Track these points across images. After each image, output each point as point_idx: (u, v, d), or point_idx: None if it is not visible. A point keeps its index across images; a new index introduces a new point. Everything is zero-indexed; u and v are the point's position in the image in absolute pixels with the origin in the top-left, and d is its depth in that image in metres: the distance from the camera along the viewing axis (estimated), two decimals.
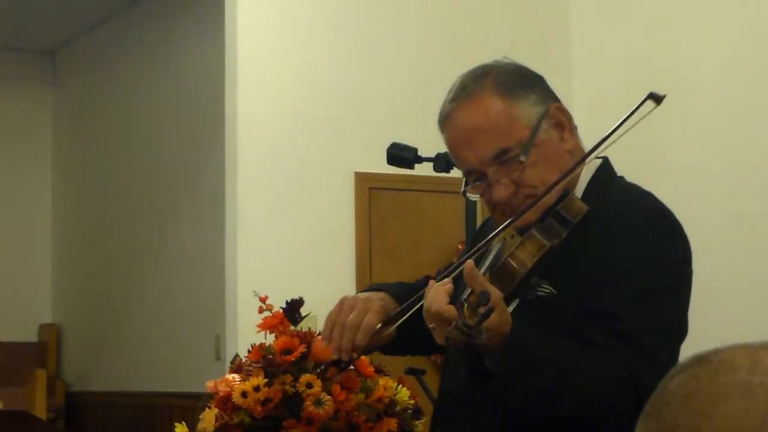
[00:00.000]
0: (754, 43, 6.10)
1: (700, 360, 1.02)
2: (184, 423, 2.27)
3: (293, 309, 2.36)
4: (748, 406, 0.97)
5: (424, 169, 3.68)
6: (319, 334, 2.30)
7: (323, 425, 2.18)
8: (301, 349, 2.24)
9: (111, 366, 8.64)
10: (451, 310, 2.01)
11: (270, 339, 2.31)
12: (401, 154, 3.61)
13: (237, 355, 2.34)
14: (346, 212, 6.51)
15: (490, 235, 2.23)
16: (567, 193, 2.23)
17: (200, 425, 2.25)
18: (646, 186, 2.30)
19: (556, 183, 2.19)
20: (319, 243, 6.43)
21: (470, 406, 2.24)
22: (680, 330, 2.21)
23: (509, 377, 2.07)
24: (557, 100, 2.30)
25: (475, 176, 2.26)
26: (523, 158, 2.20)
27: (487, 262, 2.28)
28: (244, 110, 6.39)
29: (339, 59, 6.58)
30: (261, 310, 2.34)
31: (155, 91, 8.21)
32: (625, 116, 2.15)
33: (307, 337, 2.28)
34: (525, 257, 2.15)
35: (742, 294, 5.96)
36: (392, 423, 2.25)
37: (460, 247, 5.82)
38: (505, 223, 2.20)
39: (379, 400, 2.25)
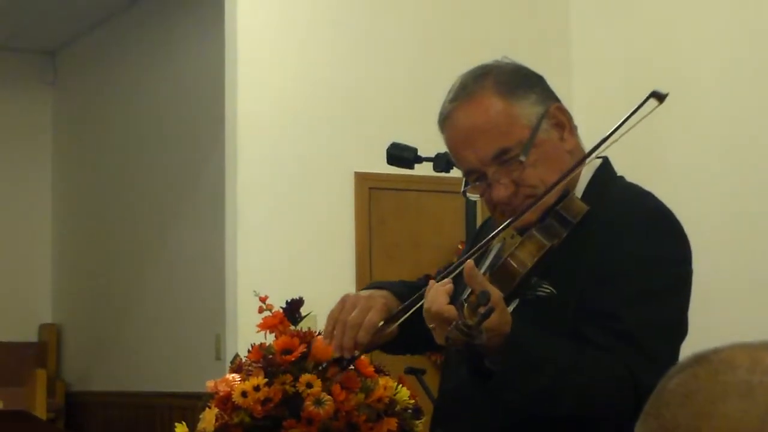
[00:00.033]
0: (754, 43, 6.10)
1: (700, 359, 1.02)
2: (184, 423, 2.27)
3: (293, 309, 2.36)
4: (748, 406, 0.97)
5: (424, 169, 3.68)
6: (319, 334, 2.30)
7: (323, 425, 2.18)
8: (301, 349, 2.24)
9: (111, 366, 8.64)
10: (451, 310, 2.01)
11: (270, 339, 2.31)
12: (401, 154, 3.60)
13: (237, 355, 2.34)
14: (346, 212, 6.51)
15: (490, 235, 2.23)
16: (567, 193, 2.23)
17: (200, 425, 2.25)
18: (646, 186, 2.30)
19: (557, 183, 2.19)
20: (319, 243, 6.43)
21: (470, 406, 2.24)
22: (680, 330, 2.21)
23: (509, 377, 2.06)
24: (557, 100, 2.30)
25: (475, 176, 2.26)
26: (523, 158, 2.20)
27: (487, 262, 2.28)
28: (244, 110, 6.39)
29: (339, 59, 6.58)
30: (261, 310, 2.34)
31: (155, 91, 8.21)
32: (628, 114, 2.15)
33: (307, 337, 2.28)
34: (525, 257, 2.15)
35: (742, 294, 5.96)
36: (392, 423, 2.26)
37: (460, 247, 5.82)
38: (505, 223, 2.20)
39: (379, 400, 2.25)
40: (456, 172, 2.48)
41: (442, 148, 2.53)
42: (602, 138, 2.18)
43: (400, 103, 6.59)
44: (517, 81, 2.27)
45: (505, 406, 2.14)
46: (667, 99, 2.16)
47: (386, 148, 3.62)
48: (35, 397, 7.83)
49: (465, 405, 2.25)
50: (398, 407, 2.29)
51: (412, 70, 6.67)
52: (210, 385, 2.26)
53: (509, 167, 2.22)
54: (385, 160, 3.63)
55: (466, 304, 1.96)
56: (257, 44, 6.46)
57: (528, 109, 2.24)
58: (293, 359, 2.23)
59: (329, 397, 2.19)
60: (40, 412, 7.65)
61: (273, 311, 2.34)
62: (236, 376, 2.25)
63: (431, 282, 2.12)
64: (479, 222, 2.80)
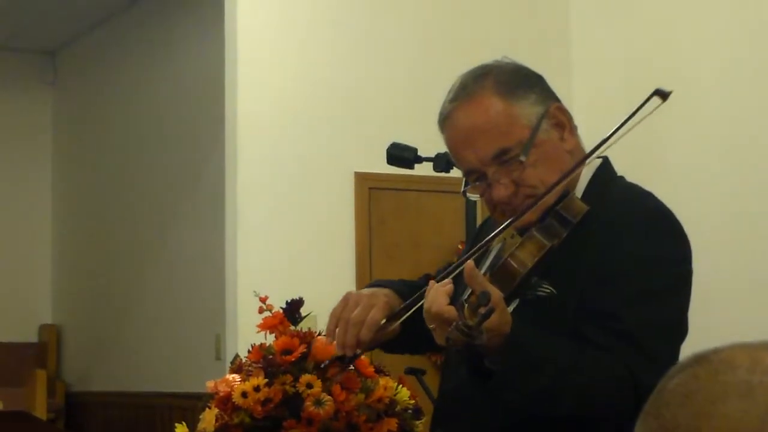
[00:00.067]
0: (754, 43, 6.10)
1: (700, 359, 1.02)
2: (184, 423, 2.27)
3: (293, 309, 2.36)
4: (748, 406, 0.97)
5: (424, 169, 3.68)
6: (319, 334, 2.30)
7: (323, 425, 2.19)
8: (301, 349, 2.24)
9: (111, 366, 8.64)
10: (451, 311, 2.01)
11: (270, 339, 2.31)
12: (401, 154, 3.60)
13: (237, 355, 2.34)
14: (346, 212, 6.51)
15: (490, 235, 2.23)
16: (567, 193, 2.23)
17: (200, 425, 2.25)
18: (646, 186, 2.30)
19: (558, 183, 2.19)
20: (319, 243, 6.43)
21: (470, 406, 2.24)
22: (680, 330, 2.21)
23: (509, 377, 2.06)
24: (557, 100, 2.30)
25: (475, 176, 2.26)
26: (523, 158, 2.20)
27: (488, 262, 2.28)
28: (244, 110, 6.39)
29: (339, 59, 6.58)
30: (261, 310, 2.34)
31: (155, 91, 8.21)
32: (632, 113, 2.15)
33: (307, 337, 2.28)
34: (525, 257, 2.15)
35: (742, 294, 5.96)
36: (392, 423, 2.26)
37: (460, 247, 5.82)
38: (505, 223, 2.20)
39: (380, 400, 2.25)
40: (456, 172, 2.48)
41: (442, 148, 2.53)
42: (605, 137, 2.18)
43: (400, 103, 6.59)
44: (517, 81, 2.27)
45: (505, 406, 2.14)
46: (657, 106, 2.16)
47: (386, 148, 3.62)
48: (35, 397, 7.83)
49: (465, 405, 2.25)
50: (398, 407, 2.29)
51: (412, 70, 6.67)
52: (210, 385, 2.26)
53: (509, 167, 2.22)
54: (385, 160, 3.63)
55: (466, 305, 1.96)
56: (257, 44, 6.46)
57: (528, 109, 2.24)
58: (293, 359, 2.23)
59: (329, 397, 2.19)
60: (40, 412, 7.65)
61: (273, 311, 2.34)
62: (236, 377, 2.25)
63: (431, 282, 2.12)
64: (479, 222, 2.80)
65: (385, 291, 2.33)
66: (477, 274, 2.03)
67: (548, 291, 2.17)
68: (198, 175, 7.57)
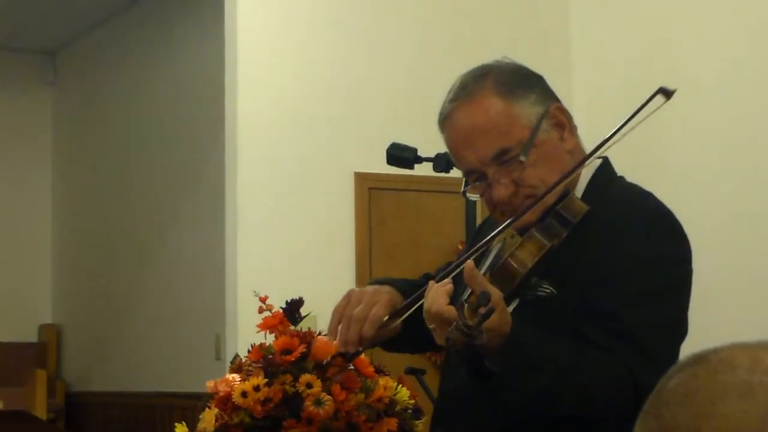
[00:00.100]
0: (754, 43, 6.10)
1: (699, 359, 1.02)
2: (184, 423, 2.27)
3: (293, 309, 2.36)
4: (747, 406, 0.97)
5: (424, 169, 3.68)
6: (319, 334, 2.30)
7: (323, 425, 2.19)
8: (301, 349, 2.24)
9: (111, 366, 8.64)
10: (451, 311, 2.01)
11: (270, 339, 2.31)
12: (401, 154, 3.60)
13: (237, 355, 2.34)
14: (346, 212, 6.51)
15: (490, 235, 2.23)
16: (567, 192, 2.23)
17: (200, 425, 2.25)
18: (646, 186, 2.30)
19: (559, 182, 2.19)
20: (319, 243, 6.43)
21: (470, 406, 2.24)
22: (680, 330, 2.21)
23: (509, 377, 2.06)
24: (557, 100, 2.30)
25: (475, 176, 2.26)
26: (523, 158, 2.20)
27: (488, 263, 2.28)
28: (244, 110, 6.40)
29: (339, 59, 6.58)
30: (261, 310, 2.34)
31: (155, 91, 8.21)
32: (635, 111, 2.15)
33: (307, 337, 2.28)
34: (525, 257, 2.15)
35: (742, 294, 5.96)
36: (392, 423, 2.26)
37: (460, 247, 5.82)
38: (505, 223, 2.20)
39: (379, 400, 2.25)
40: (456, 172, 2.48)
41: (442, 148, 2.53)
42: (607, 136, 2.18)
43: (400, 103, 6.59)
44: (517, 81, 2.27)
45: (505, 406, 2.14)
46: (661, 105, 2.16)
47: (386, 148, 3.62)
48: (35, 397, 7.83)
49: (465, 405, 2.25)
50: (398, 407, 2.29)
51: (412, 70, 6.67)
52: (210, 385, 2.26)
53: (509, 167, 2.22)
54: (385, 160, 3.63)
55: (466, 305, 1.96)
56: (257, 44, 6.46)
57: (528, 109, 2.24)
58: (293, 359, 2.23)
59: (329, 397, 2.19)
60: (40, 412, 7.65)
61: (273, 311, 2.34)
62: (236, 376, 2.25)
63: (431, 282, 2.12)
64: (479, 222, 2.80)
65: (388, 288, 2.33)
66: (477, 274, 2.03)
67: (548, 291, 2.17)
68: (198, 175, 7.58)
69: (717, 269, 5.52)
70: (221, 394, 2.23)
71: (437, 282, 2.11)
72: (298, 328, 2.32)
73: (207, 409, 2.25)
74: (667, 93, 2.16)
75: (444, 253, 6.33)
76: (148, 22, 8.30)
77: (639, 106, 2.15)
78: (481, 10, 6.87)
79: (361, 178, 6.51)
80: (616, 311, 2.12)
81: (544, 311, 2.16)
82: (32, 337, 9.41)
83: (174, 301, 7.84)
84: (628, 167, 2.43)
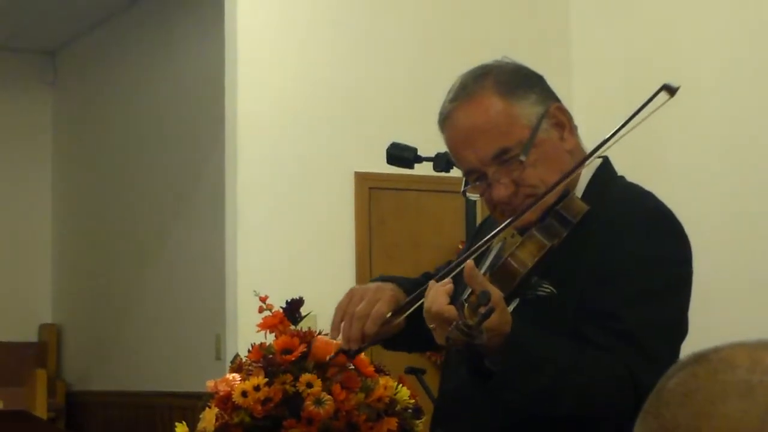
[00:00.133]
0: (754, 43, 6.10)
1: (699, 358, 1.02)
2: (184, 423, 2.27)
3: (293, 309, 2.36)
4: (748, 406, 0.97)
5: (424, 169, 3.68)
6: (319, 334, 2.30)
7: (323, 425, 2.19)
8: (301, 348, 2.24)
9: (111, 366, 8.64)
10: (451, 311, 2.01)
11: (270, 339, 2.31)
12: (401, 154, 3.60)
13: (237, 355, 2.34)
14: (346, 212, 6.51)
15: (490, 235, 2.23)
16: (567, 192, 2.23)
17: (200, 425, 2.25)
18: (646, 186, 2.30)
19: (560, 182, 2.19)
20: (319, 243, 6.43)
21: (470, 406, 2.24)
22: (681, 330, 2.21)
23: (509, 377, 2.06)
24: (557, 99, 2.30)
25: (475, 176, 2.26)
26: (523, 158, 2.20)
27: (488, 262, 2.28)
28: (244, 110, 6.40)
29: (339, 59, 6.58)
30: (261, 310, 2.34)
31: (155, 91, 8.21)
32: (639, 108, 2.15)
33: (307, 337, 2.28)
34: (525, 257, 2.15)
35: (742, 294, 5.96)
36: (392, 422, 2.26)
37: (460, 246, 5.81)
38: (505, 223, 2.20)
39: (380, 399, 2.25)
40: (456, 172, 2.48)
41: (442, 148, 2.53)
42: (612, 132, 2.17)
43: (400, 103, 6.59)
44: (517, 81, 2.27)
45: (505, 406, 2.14)
46: (665, 102, 2.16)
47: (386, 148, 3.62)
48: (35, 397, 7.83)
49: (465, 405, 2.25)
50: (398, 407, 2.29)
51: (412, 70, 6.67)
52: (210, 384, 2.26)
53: (509, 167, 2.22)
54: (385, 160, 3.63)
55: (466, 304, 1.96)
56: (257, 44, 6.46)
57: (528, 109, 2.24)
58: (293, 359, 2.23)
59: (329, 396, 2.19)
60: (41, 412, 7.65)
61: (273, 311, 2.34)
62: (236, 376, 2.25)
63: (431, 282, 2.12)
64: (479, 222, 2.80)
65: (391, 285, 2.33)
66: (477, 273, 2.03)
67: (548, 291, 2.17)
68: (198, 175, 7.57)
69: (717, 269, 5.52)
70: (221, 393, 2.23)
71: (437, 281, 2.11)
72: (298, 327, 2.32)
73: (207, 408, 2.25)
74: (671, 90, 2.15)
75: (444, 253, 6.33)
76: (148, 22, 8.30)
77: (643, 103, 2.14)
78: (481, 10, 6.87)
79: (361, 178, 6.51)
80: (616, 311, 2.12)
81: (544, 311, 2.16)
82: (32, 337, 9.41)
83: (174, 301, 7.84)
84: (628, 167, 2.43)
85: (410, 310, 2.23)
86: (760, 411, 0.96)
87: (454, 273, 2.16)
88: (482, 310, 1.92)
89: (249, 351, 2.30)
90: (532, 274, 2.16)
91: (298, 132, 6.45)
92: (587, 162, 2.25)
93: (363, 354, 2.30)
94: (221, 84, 6.57)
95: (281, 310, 2.35)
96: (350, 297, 2.29)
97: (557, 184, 2.19)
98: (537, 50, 6.16)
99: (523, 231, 2.22)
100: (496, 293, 1.99)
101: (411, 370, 4.50)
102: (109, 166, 8.80)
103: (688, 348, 1.45)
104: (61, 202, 9.54)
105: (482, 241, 2.25)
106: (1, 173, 9.41)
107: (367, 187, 6.52)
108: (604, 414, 2.15)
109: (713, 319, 5.19)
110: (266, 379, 2.21)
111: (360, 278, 6.35)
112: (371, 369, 2.29)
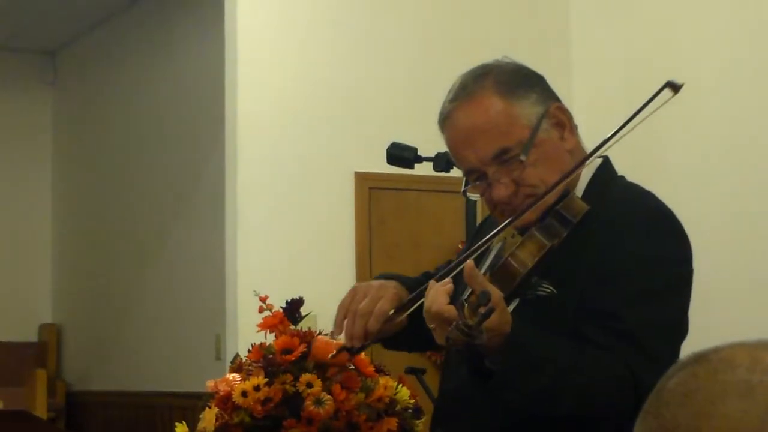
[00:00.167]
0: (754, 43, 6.10)
1: (699, 358, 1.02)
2: (184, 423, 2.27)
3: (293, 309, 2.36)
4: (748, 406, 0.97)
5: (424, 169, 3.68)
6: (319, 334, 2.30)
7: (323, 425, 2.19)
8: (301, 348, 2.24)
9: (111, 366, 8.64)
10: (451, 311, 2.01)
11: (270, 339, 2.31)
12: (401, 154, 3.60)
13: (237, 355, 2.34)
14: (346, 212, 6.51)
15: (490, 235, 2.23)
16: (567, 192, 2.23)
17: (200, 425, 2.25)
18: (647, 186, 2.30)
19: (559, 181, 2.19)
20: (319, 243, 6.43)
21: (470, 406, 2.24)
22: (681, 330, 2.21)
23: (509, 377, 2.06)
24: (557, 99, 2.30)
25: (475, 176, 2.26)
26: (523, 158, 2.20)
27: (488, 262, 2.28)
28: (244, 110, 6.39)
29: (339, 59, 6.58)
30: (261, 310, 2.34)
31: (155, 91, 8.21)
32: (642, 105, 2.15)
33: (307, 337, 2.28)
34: (525, 257, 2.15)
35: (742, 294, 5.96)
36: (392, 422, 2.26)
37: (460, 246, 5.81)
38: (505, 223, 2.20)
39: (380, 399, 2.25)
40: (456, 172, 2.48)
41: (442, 148, 2.53)
42: (615, 129, 2.17)
43: (400, 103, 6.59)
44: (517, 81, 2.27)
45: (505, 406, 2.14)
46: (668, 99, 2.16)
47: (386, 148, 3.62)
48: (35, 397, 7.83)
49: (465, 405, 2.25)
50: (398, 407, 2.29)
51: (412, 70, 6.67)
52: (210, 384, 2.26)
53: (509, 167, 2.22)
54: (385, 160, 3.63)
55: (466, 304, 1.96)
56: (257, 44, 6.46)
57: (528, 109, 2.24)
58: (293, 359, 2.23)
59: (329, 396, 2.19)
60: (41, 412, 7.65)
61: (273, 311, 2.34)
62: (236, 376, 2.25)
63: (431, 282, 2.12)
64: (479, 222, 2.79)
65: (393, 283, 2.34)
66: (477, 273, 2.03)
67: (548, 291, 2.17)
68: (198, 175, 7.57)
69: (717, 269, 5.52)
70: (221, 393, 2.23)
71: (437, 281, 2.11)
72: (298, 327, 2.32)
73: (207, 408, 2.25)
74: (674, 87, 2.15)
75: (444, 253, 6.33)
76: (148, 22, 8.30)
77: (646, 100, 2.14)
78: (481, 10, 6.87)
79: (361, 178, 6.51)
80: (617, 311, 2.12)
81: (544, 311, 2.16)
82: (32, 336, 9.41)
83: (174, 301, 7.84)
84: (628, 167, 2.43)
85: (412, 308, 2.23)
86: (760, 411, 0.96)
87: (454, 273, 2.16)
88: (482, 310, 1.92)
89: (249, 351, 2.30)
90: (532, 274, 2.16)
91: (298, 132, 6.45)
92: (588, 161, 2.25)
93: (363, 354, 2.30)
94: (221, 84, 6.57)
95: (281, 310, 2.35)
96: (353, 294, 2.29)
97: (557, 183, 2.19)
98: (537, 50, 6.16)
99: (523, 231, 2.22)
100: (496, 293, 1.99)
101: (411, 370, 4.50)
102: (109, 166, 8.80)
103: (688, 348, 1.45)
104: (61, 202, 9.54)
105: (482, 241, 2.25)
106: (1, 173, 9.41)
107: (367, 187, 6.52)
108: (605, 414, 2.15)
109: (713, 319, 5.19)
110: (266, 379, 2.21)
111: (360, 278, 6.35)
112: (371, 369, 2.29)
